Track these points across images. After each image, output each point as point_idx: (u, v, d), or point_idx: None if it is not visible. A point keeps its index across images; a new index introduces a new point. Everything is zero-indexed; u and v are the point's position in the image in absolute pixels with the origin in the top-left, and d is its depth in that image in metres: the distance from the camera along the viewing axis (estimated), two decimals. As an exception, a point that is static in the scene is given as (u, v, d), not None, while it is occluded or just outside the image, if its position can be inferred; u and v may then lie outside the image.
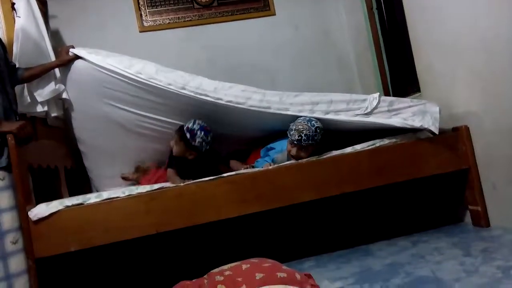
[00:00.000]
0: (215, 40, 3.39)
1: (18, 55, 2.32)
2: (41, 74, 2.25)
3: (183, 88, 2.13)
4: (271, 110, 2.17)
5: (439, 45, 2.31)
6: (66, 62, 2.24)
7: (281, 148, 2.27)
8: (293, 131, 2.10)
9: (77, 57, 2.20)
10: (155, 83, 2.12)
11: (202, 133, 2.13)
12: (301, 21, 3.53)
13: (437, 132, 2.09)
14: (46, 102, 2.45)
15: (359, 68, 3.51)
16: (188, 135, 2.13)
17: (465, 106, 2.20)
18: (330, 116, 2.17)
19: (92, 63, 2.16)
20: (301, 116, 2.15)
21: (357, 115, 2.17)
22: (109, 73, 2.14)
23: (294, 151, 2.13)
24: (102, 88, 2.19)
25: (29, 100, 2.36)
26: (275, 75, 3.44)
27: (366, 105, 2.19)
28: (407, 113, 2.19)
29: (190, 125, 2.15)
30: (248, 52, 3.42)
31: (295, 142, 2.09)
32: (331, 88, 3.47)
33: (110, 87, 2.18)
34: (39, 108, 2.44)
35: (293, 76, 3.47)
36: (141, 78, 2.12)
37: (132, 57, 2.25)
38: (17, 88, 2.26)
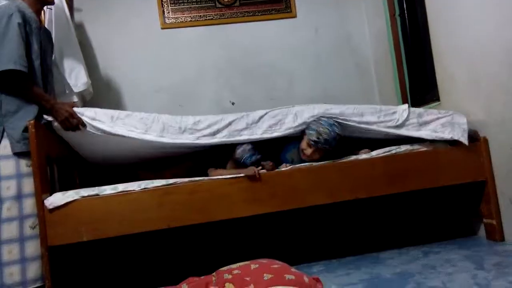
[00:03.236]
0: (234, 40, 3.41)
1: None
2: (27, 98, 1.95)
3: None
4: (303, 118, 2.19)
5: (461, 54, 2.28)
6: (61, 117, 1.96)
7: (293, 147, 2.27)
8: (313, 131, 2.09)
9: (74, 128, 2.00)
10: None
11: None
12: (322, 25, 3.52)
13: (467, 143, 2.11)
14: (76, 94, 2.56)
15: (378, 74, 3.48)
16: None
17: (485, 118, 2.17)
18: (364, 126, 2.19)
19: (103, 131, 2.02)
20: (323, 117, 2.15)
21: (389, 127, 2.19)
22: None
23: (309, 151, 2.13)
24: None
25: (67, 91, 2.46)
26: (293, 78, 3.44)
27: (396, 117, 2.20)
28: (436, 125, 2.20)
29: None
30: (267, 53, 3.43)
31: (312, 142, 2.09)
32: (348, 93, 3.48)
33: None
34: (74, 99, 2.54)
35: (311, 79, 3.46)
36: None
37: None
38: (56, 79, 2.34)
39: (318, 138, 2.06)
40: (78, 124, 1.97)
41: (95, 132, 2.01)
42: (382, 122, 2.20)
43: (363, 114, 2.20)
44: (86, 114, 2.00)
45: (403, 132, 2.18)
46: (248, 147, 2.11)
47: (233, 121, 2.11)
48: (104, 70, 3.23)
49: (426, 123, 2.22)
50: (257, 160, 2.11)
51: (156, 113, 2.09)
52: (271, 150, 2.23)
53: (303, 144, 2.16)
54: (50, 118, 1.98)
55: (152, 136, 2.03)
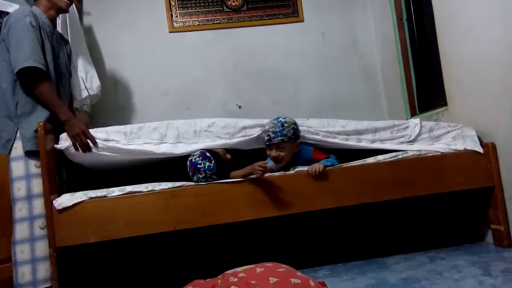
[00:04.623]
0: (242, 44, 3.42)
1: None
2: (44, 102, 1.97)
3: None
4: (319, 137, 2.17)
5: (469, 60, 2.27)
6: (73, 132, 1.93)
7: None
8: (263, 134, 2.09)
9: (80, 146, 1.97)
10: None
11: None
12: (329, 29, 3.53)
13: (482, 151, 2.13)
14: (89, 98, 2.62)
15: (385, 79, 3.48)
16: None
17: (493, 123, 2.16)
18: (376, 145, 2.19)
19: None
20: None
21: (402, 143, 2.21)
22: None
23: (272, 153, 2.09)
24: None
25: (83, 95, 2.53)
26: (300, 82, 3.45)
27: (409, 133, 2.23)
28: (448, 139, 2.22)
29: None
30: (273, 57, 3.44)
31: (267, 143, 2.08)
32: (355, 98, 3.48)
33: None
34: (88, 102, 2.60)
35: (318, 83, 3.46)
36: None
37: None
38: (74, 81, 2.38)
39: (268, 135, 2.05)
40: (87, 144, 1.94)
41: (112, 154, 1.99)
42: (395, 138, 2.22)
43: (376, 129, 2.21)
44: (98, 136, 1.98)
45: (416, 147, 2.19)
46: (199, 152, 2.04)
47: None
48: (111, 73, 3.26)
49: (438, 137, 2.24)
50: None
51: (167, 120, 2.09)
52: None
53: (268, 153, 2.12)
54: (62, 146, 1.95)
55: (168, 146, 2.03)
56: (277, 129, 2.04)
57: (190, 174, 2.01)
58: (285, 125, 2.05)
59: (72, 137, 1.93)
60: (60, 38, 2.21)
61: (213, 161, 1.98)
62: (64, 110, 1.98)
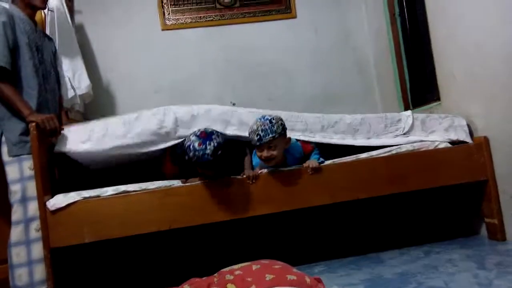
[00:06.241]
0: (235, 41, 3.41)
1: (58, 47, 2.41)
2: (6, 100, 1.91)
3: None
4: (316, 139, 2.17)
5: (462, 53, 2.28)
6: (37, 115, 1.89)
7: (256, 161, 2.16)
8: (251, 135, 1.96)
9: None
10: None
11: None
12: (322, 25, 3.53)
13: (472, 142, 2.17)
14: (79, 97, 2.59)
15: (378, 74, 3.48)
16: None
17: (486, 117, 2.17)
18: (373, 141, 2.21)
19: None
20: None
21: (397, 136, 2.22)
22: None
23: (264, 153, 1.96)
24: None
25: (69, 95, 2.48)
26: (293, 77, 3.45)
27: (402, 126, 2.24)
28: (440, 130, 2.24)
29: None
30: (267, 54, 3.44)
31: (258, 143, 1.94)
32: (348, 93, 3.49)
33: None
34: (77, 101, 2.56)
35: (311, 79, 3.47)
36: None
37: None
38: (61, 80, 2.36)
39: (258, 135, 1.92)
40: (57, 128, 1.91)
41: (114, 143, 1.99)
42: (389, 132, 2.24)
43: (371, 125, 2.23)
44: (96, 130, 1.99)
45: (411, 138, 2.21)
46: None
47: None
48: (104, 71, 3.24)
49: (431, 128, 2.26)
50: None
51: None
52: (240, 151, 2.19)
53: (258, 154, 2.01)
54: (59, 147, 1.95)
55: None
56: (266, 127, 1.92)
57: (201, 140, 1.84)
58: (273, 121, 1.94)
59: (41, 121, 1.85)
60: (43, 36, 2.18)
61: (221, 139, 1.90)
62: (26, 105, 1.89)
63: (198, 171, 1.98)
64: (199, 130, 1.90)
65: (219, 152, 1.84)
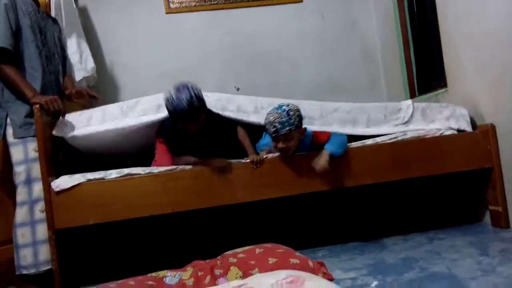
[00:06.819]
0: (239, 25, 3.37)
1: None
2: (10, 82, 1.91)
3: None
4: (314, 127, 2.14)
5: (470, 40, 2.24)
6: (40, 97, 1.89)
7: (266, 142, 2.14)
8: (267, 125, 1.94)
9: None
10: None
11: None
12: (328, 10, 3.48)
13: (471, 131, 2.16)
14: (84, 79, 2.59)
15: (385, 60, 3.44)
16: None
17: (493, 104, 2.14)
18: (372, 130, 2.18)
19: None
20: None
21: (397, 125, 2.21)
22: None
23: (280, 145, 1.95)
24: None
25: (81, 76, 2.50)
26: (298, 64, 3.41)
27: (402, 115, 2.23)
28: (441, 119, 2.22)
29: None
30: (272, 39, 3.40)
31: (273, 135, 1.94)
32: (354, 80, 3.45)
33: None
34: (84, 83, 2.57)
35: (316, 65, 3.43)
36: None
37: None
38: (69, 62, 2.37)
39: (274, 127, 1.90)
40: (60, 110, 1.92)
41: (114, 127, 2.02)
42: (389, 121, 2.22)
43: (370, 114, 2.21)
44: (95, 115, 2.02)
45: (412, 127, 2.20)
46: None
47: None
48: (108, 55, 3.21)
49: (431, 117, 2.24)
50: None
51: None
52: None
53: (273, 144, 2.00)
54: (58, 132, 1.96)
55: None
56: (284, 119, 1.88)
57: (175, 90, 1.88)
58: (291, 113, 1.90)
59: (45, 103, 1.85)
60: (47, 17, 2.17)
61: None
62: (29, 87, 1.89)
63: (188, 145, 2.01)
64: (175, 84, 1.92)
65: (196, 103, 1.85)
